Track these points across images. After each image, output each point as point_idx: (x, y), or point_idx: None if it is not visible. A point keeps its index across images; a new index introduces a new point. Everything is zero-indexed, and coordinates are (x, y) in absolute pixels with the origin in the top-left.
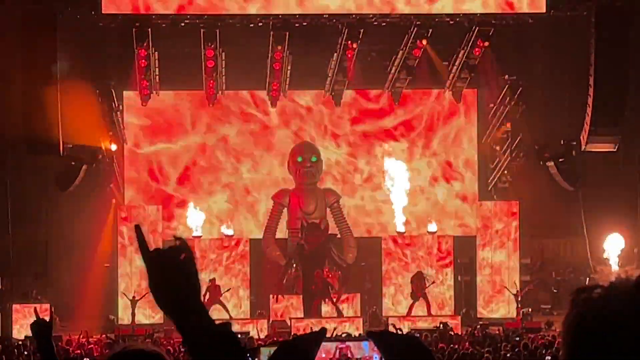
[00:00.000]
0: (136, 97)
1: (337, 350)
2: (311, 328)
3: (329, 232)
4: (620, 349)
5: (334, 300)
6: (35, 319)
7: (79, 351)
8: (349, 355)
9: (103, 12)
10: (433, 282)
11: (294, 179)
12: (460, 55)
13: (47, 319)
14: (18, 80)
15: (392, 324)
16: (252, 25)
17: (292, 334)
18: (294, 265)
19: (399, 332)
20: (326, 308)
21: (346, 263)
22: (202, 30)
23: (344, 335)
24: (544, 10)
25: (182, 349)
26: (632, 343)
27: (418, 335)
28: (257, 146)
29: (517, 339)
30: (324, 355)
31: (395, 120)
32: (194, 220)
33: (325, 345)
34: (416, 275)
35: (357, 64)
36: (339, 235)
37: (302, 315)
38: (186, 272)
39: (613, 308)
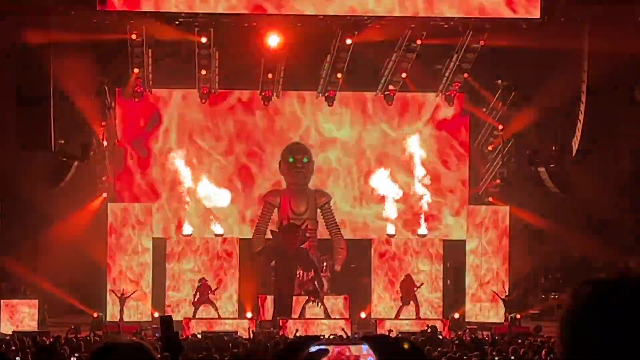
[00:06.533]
0: (130, 94)
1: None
2: (296, 330)
3: (310, 235)
4: (626, 342)
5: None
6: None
7: (67, 347)
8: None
9: (97, 8)
10: (422, 285)
11: (285, 179)
12: (453, 58)
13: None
14: (11, 76)
15: (389, 330)
16: (246, 25)
17: (281, 334)
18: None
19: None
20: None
21: (330, 270)
22: (196, 29)
23: (331, 337)
24: (538, 15)
25: None
26: (638, 337)
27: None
28: (250, 146)
29: (506, 343)
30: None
31: (389, 121)
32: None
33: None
34: (405, 278)
35: (350, 66)
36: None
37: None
38: None
39: (618, 301)
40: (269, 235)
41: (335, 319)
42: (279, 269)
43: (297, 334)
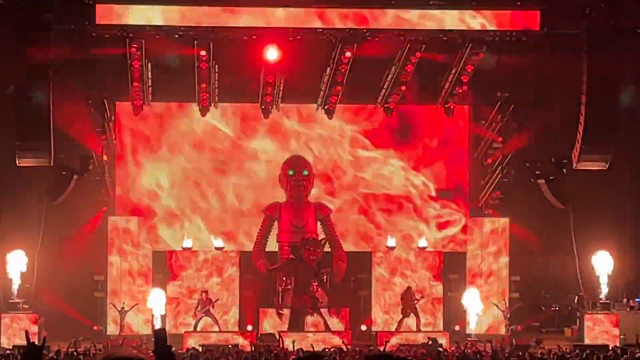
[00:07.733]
0: (129, 107)
1: None
2: (293, 342)
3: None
4: None
5: (322, 314)
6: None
7: None
8: None
9: (97, 22)
10: (422, 297)
11: (285, 192)
12: (453, 71)
13: (35, 341)
14: (11, 90)
15: (386, 341)
16: (245, 38)
17: (281, 347)
18: (285, 278)
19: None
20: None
21: (330, 282)
22: (195, 42)
23: (332, 350)
24: (537, 27)
25: None
26: None
27: (407, 350)
28: (249, 159)
29: (507, 356)
30: None
31: (386, 133)
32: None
33: None
34: (406, 291)
35: (349, 78)
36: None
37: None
38: None
39: None
40: (269, 248)
41: (335, 331)
42: (297, 284)
43: (295, 346)
